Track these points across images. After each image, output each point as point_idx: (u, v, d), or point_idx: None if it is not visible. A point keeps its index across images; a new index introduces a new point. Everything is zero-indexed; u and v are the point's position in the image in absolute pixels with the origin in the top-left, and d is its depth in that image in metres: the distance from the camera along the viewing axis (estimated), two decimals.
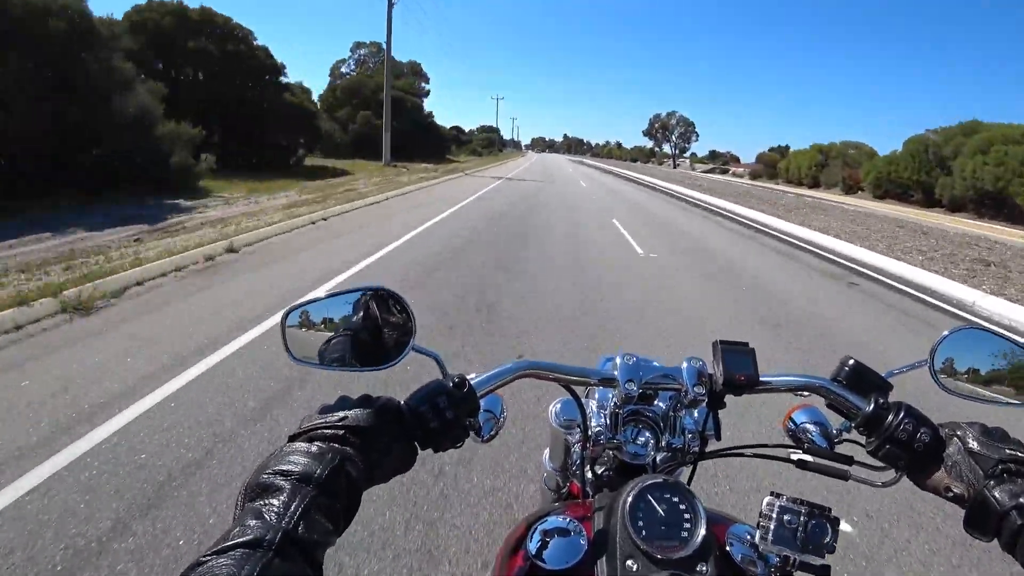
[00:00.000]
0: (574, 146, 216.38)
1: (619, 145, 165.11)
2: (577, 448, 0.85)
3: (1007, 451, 0.55)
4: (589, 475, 0.78)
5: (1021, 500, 0.50)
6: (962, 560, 1.96)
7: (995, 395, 0.67)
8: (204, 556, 0.36)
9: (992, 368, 0.68)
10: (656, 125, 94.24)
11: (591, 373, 0.71)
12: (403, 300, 0.62)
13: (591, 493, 0.77)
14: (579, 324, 4.28)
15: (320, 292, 0.61)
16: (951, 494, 0.56)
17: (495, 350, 3.61)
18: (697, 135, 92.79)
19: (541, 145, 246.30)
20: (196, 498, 2.00)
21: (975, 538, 0.54)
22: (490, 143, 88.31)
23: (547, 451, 1.02)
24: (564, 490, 0.99)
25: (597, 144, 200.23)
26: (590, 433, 0.76)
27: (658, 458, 0.76)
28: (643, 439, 0.74)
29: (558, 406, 0.85)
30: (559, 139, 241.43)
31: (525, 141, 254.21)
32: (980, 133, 19.70)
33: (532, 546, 0.59)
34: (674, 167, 78.62)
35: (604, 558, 0.55)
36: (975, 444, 0.57)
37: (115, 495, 2.00)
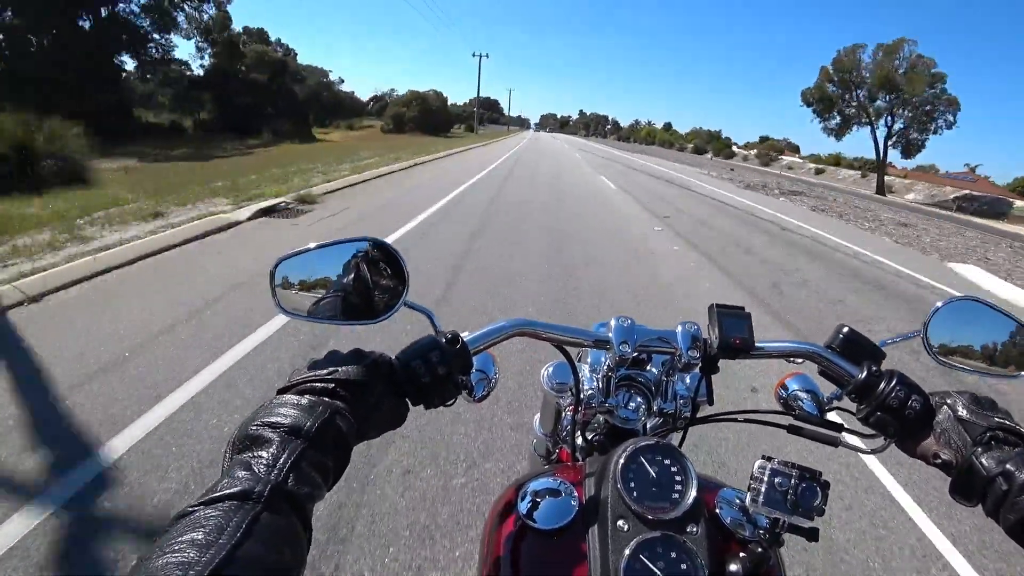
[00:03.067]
0: (594, 125, 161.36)
1: (667, 127, 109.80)
2: (568, 412, 0.85)
3: (995, 419, 0.55)
4: (580, 440, 0.78)
5: (1007, 466, 0.51)
6: None
7: (986, 366, 0.68)
8: (192, 506, 0.35)
9: (984, 340, 0.68)
10: (849, 72, 30.19)
11: (585, 334, 0.70)
12: (396, 252, 0.61)
13: (581, 458, 0.78)
14: None
15: (311, 243, 0.59)
16: (939, 461, 0.57)
17: None
18: (955, 110, 28.17)
19: (552, 124, 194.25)
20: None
21: (960, 503, 0.55)
22: (427, 115, 39.67)
23: (537, 416, 1.02)
24: (554, 456, 1.00)
25: (610, 123, 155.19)
26: (582, 396, 0.76)
27: (649, 423, 0.76)
28: (635, 404, 0.74)
29: (550, 369, 0.85)
30: (576, 116, 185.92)
31: (534, 118, 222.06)
32: None
33: (523, 506, 0.59)
34: (878, 189, 28.52)
35: (595, 518, 0.56)
36: (964, 412, 0.57)
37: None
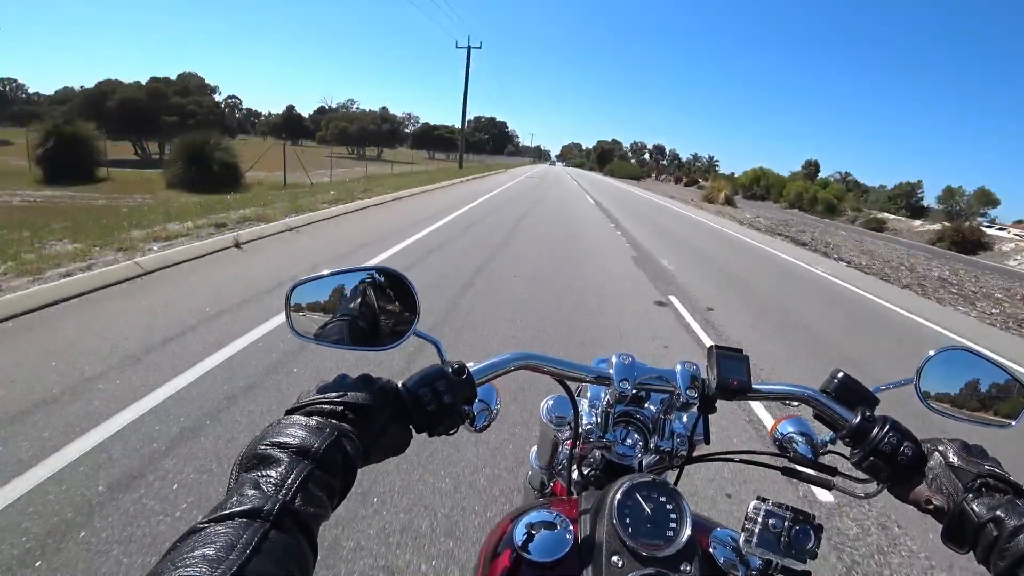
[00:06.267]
0: (635, 157, 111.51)
1: (812, 171, 72.43)
2: (566, 446, 0.86)
3: (986, 467, 0.57)
4: (575, 474, 0.79)
5: (998, 513, 0.52)
6: None
7: (977, 415, 0.69)
8: (201, 523, 0.36)
9: (975, 389, 0.69)
10: None
11: (587, 370, 0.72)
12: (408, 281, 0.62)
13: (576, 492, 0.78)
14: None
15: (325, 270, 0.61)
16: (931, 507, 0.58)
17: None
18: None
19: (576, 155, 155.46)
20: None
21: (952, 550, 0.56)
22: None
23: (534, 448, 1.02)
24: (548, 489, 1.00)
25: (667, 155, 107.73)
26: (580, 431, 0.76)
27: (645, 460, 0.76)
28: (632, 440, 0.75)
29: (550, 402, 0.85)
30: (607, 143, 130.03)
31: (555, 150, 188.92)
32: None
33: (518, 538, 0.59)
34: None
35: (590, 553, 0.56)
36: (956, 459, 0.58)
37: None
